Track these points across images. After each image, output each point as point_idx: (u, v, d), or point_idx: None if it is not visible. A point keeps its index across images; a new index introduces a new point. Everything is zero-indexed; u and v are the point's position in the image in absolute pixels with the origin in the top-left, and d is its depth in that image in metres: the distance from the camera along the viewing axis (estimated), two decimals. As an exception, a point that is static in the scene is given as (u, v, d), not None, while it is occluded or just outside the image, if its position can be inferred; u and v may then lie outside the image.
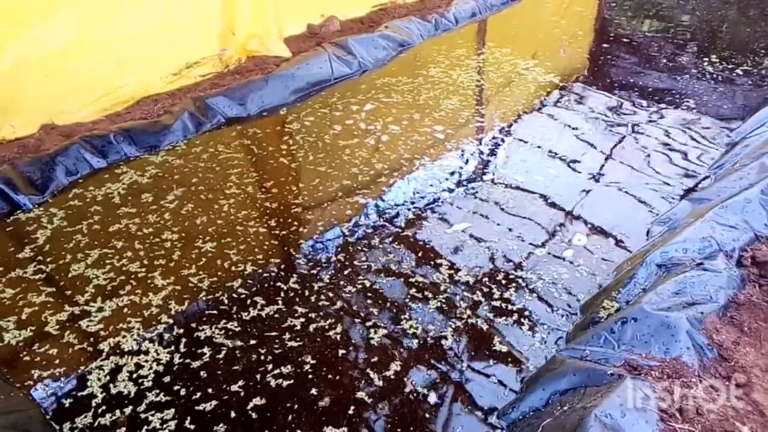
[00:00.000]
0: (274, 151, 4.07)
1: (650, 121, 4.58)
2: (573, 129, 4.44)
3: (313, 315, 2.74)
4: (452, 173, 3.88)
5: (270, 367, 2.49)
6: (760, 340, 2.34)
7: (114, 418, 2.27)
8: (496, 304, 2.81)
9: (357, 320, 2.72)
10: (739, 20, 7.31)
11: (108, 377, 2.44)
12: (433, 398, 2.35)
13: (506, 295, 2.87)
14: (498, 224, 3.39)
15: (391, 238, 3.25)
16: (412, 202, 3.57)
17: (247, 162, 3.94)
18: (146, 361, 2.52)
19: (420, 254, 3.13)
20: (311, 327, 2.67)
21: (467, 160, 4.03)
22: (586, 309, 2.78)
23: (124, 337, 2.64)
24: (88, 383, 2.42)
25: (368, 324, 2.69)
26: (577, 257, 3.13)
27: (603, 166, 4.00)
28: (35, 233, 3.29)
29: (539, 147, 4.19)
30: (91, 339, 2.63)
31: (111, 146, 3.93)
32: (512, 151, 4.15)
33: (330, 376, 2.44)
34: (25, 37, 3.98)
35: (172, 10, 4.86)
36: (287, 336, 2.63)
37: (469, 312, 2.76)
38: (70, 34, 4.26)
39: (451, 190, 3.70)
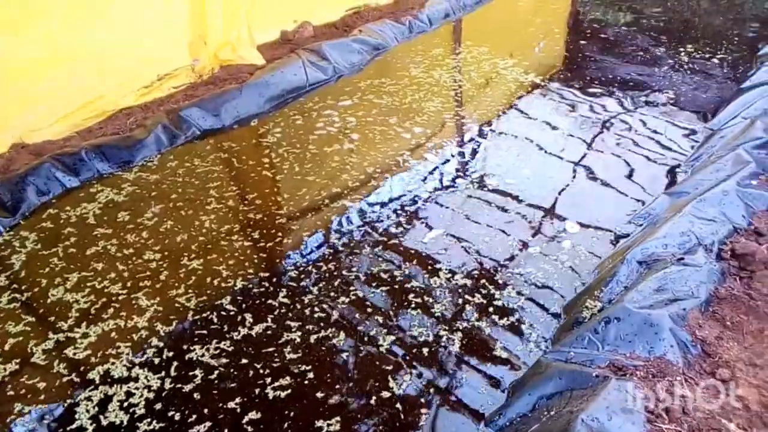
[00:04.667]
0: (253, 162, 4.03)
1: (629, 113, 4.63)
2: (553, 126, 4.46)
3: (310, 327, 2.72)
4: (437, 174, 3.88)
5: (269, 380, 2.46)
6: (743, 334, 2.37)
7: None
8: (498, 303, 2.85)
9: (358, 329, 2.72)
10: (711, 9, 7.41)
11: (97, 408, 2.39)
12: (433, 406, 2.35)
13: (504, 293, 2.90)
14: (485, 223, 3.39)
15: (380, 245, 3.24)
16: (401, 206, 3.57)
17: (225, 174, 3.90)
18: (137, 388, 2.47)
19: (412, 259, 3.13)
20: (312, 338, 2.66)
21: (451, 161, 4.03)
22: (569, 309, 2.78)
23: (113, 363, 2.58)
24: (76, 415, 2.36)
25: (371, 333, 2.69)
26: (565, 252, 3.14)
27: (583, 160, 4.03)
28: (9, 258, 3.21)
29: (521, 145, 4.21)
30: (80, 367, 2.57)
31: (83, 164, 3.85)
32: (495, 149, 4.17)
33: (338, 385, 2.44)
34: (-10, 53, 3.90)
35: (141, 22, 4.79)
36: (288, 349, 2.61)
37: (474, 315, 2.78)
38: (38, 49, 4.17)
39: (437, 191, 3.70)
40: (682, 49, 5.91)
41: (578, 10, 7.47)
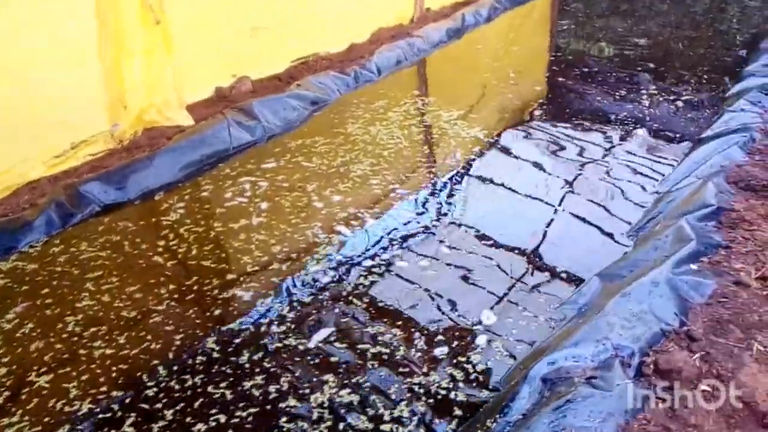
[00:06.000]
0: (146, 246, 3.62)
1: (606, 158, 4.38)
2: (497, 195, 4.06)
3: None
4: (343, 258, 3.44)
5: None
6: (655, 489, 1.88)
7: None
8: (386, 428, 2.37)
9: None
10: (692, 41, 7.09)
11: None
12: None
13: (395, 412, 2.43)
14: (388, 321, 2.94)
15: (259, 351, 2.79)
16: (297, 298, 3.12)
17: (111, 262, 3.48)
18: None
19: (293, 371, 2.68)
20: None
21: (360, 241, 3.59)
22: (463, 439, 2.30)
23: None
24: None
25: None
26: (478, 352, 2.69)
27: (533, 239, 3.58)
28: None
29: (455, 227, 3.78)
30: None
31: (-44, 255, 3.47)
32: (420, 226, 3.74)
33: None
34: None
35: (50, 87, 4.45)
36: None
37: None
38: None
39: (340, 278, 3.26)
40: (663, 82, 5.73)
41: (558, 45, 7.17)
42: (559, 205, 3.84)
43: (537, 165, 4.38)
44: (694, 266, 2.76)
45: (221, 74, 5.74)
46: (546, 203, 3.88)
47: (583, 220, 3.68)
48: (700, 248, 2.85)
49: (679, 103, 5.30)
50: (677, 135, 4.74)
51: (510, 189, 4.07)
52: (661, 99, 5.42)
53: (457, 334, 2.86)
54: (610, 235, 3.51)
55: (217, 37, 5.59)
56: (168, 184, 4.26)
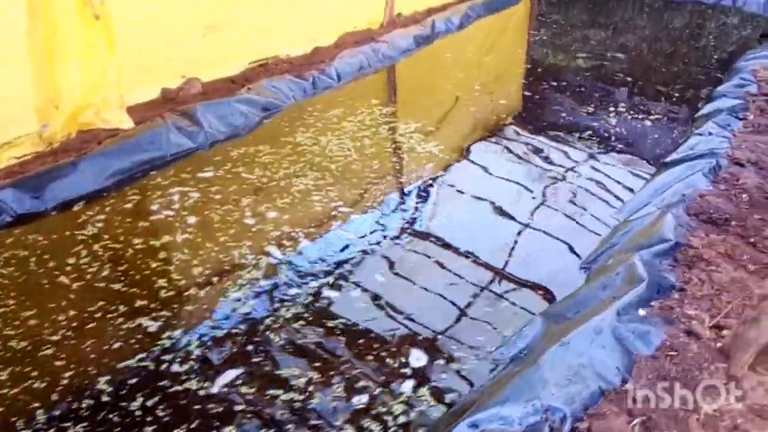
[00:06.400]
0: (54, 264, 3.27)
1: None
2: (444, 225, 3.76)
3: None
4: (290, 279, 3.14)
5: None
6: None
7: None
8: None
9: None
10: (670, 56, 6.91)
11: None
12: None
13: None
14: (303, 363, 2.63)
15: (157, 393, 2.47)
16: (211, 329, 2.82)
17: (11, 281, 3.14)
18: None
19: (190, 419, 2.36)
20: None
21: (289, 265, 3.28)
22: None
23: None
24: None
25: None
26: (403, 399, 2.39)
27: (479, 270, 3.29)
28: None
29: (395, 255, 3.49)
30: None
31: None
32: (357, 250, 3.43)
33: None
34: None
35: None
36: None
37: None
38: None
39: (261, 311, 2.95)
40: (640, 97, 5.60)
41: (531, 56, 6.93)
42: (519, 233, 3.58)
43: (497, 184, 4.12)
44: (642, 311, 2.49)
45: (169, 75, 5.39)
46: (502, 225, 3.65)
47: (551, 235, 3.46)
48: (651, 290, 2.59)
49: (648, 123, 5.08)
50: (647, 154, 4.51)
51: (467, 209, 3.80)
52: (629, 117, 5.18)
53: (381, 378, 2.55)
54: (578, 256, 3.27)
55: (166, 34, 5.26)
56: (91, 193, 3.91)
